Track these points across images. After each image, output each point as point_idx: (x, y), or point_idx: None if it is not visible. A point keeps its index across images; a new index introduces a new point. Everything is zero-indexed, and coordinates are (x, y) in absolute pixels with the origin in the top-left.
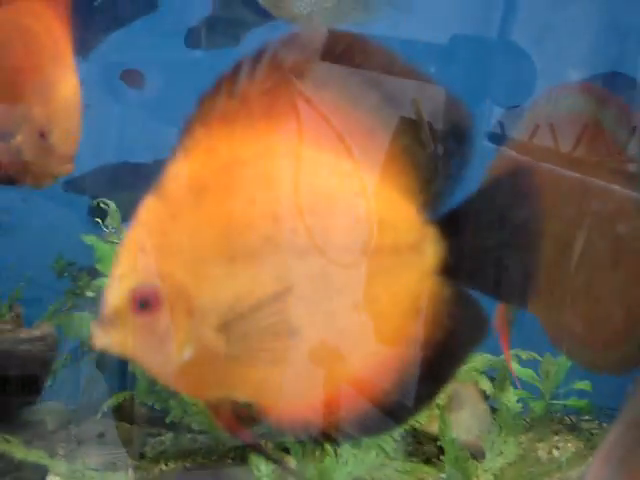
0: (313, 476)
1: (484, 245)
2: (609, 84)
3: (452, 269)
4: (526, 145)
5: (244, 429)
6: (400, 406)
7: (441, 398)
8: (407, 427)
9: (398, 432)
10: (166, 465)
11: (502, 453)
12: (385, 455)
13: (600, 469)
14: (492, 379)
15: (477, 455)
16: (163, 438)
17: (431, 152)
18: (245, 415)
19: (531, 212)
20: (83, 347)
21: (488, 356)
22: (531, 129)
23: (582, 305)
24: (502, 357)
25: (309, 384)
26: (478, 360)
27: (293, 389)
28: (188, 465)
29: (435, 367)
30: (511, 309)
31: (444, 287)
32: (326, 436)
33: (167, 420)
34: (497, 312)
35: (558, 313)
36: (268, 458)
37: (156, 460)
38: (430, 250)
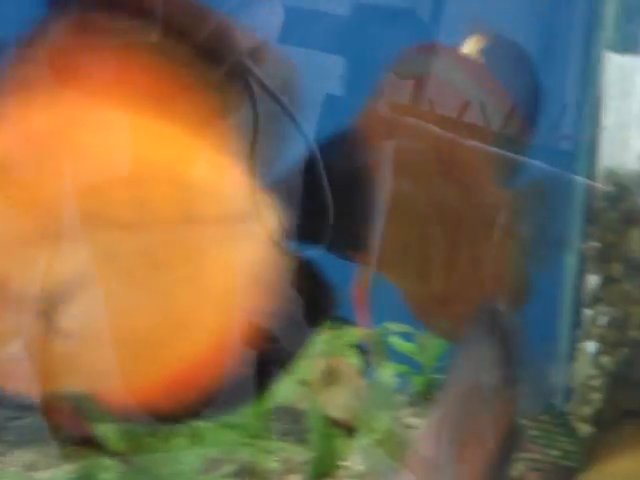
0: (161, 458)
1: (322, 206)
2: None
3: (291, 235)
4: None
5: (82, 422)
6: (247, 384)
7: (311, 373)
8: (279, 404)
9: (268, 409)
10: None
11: (374, 430)
12: (249, 434)
13: (429, 446)
14: (368, 353)
15: (351, 432)
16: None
17: (258, 111)
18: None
19: (368, 171)
20: None
21: (363, 328)
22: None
23: (439, 276)
24: (378, 329)
25: (144, 367)
26: (352, 333)
27: (126, 373)
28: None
29: (283, 341)
30: (369, 278)
31: (284, 256)
32: (165, 420)
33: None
34: (354, 281)
35: (416, 284)
36: (105, 452)
37: (15, 444)
38: (265, 217)
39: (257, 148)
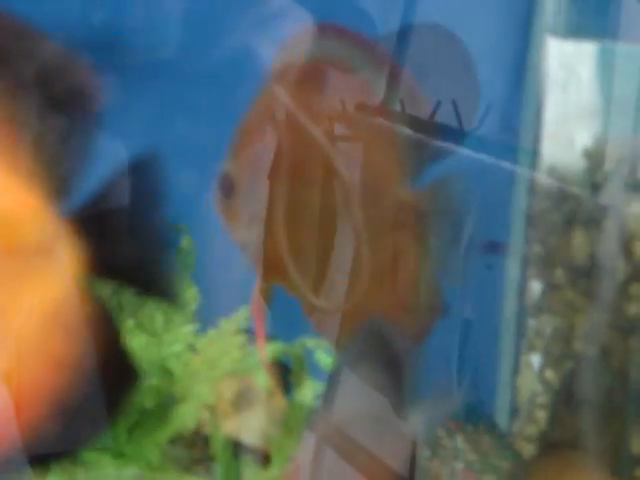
0: None
1: (134, 238)
2: None
3: (98, 270)
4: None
5: None
6: (60, 436)
7: (219, 394)
8: (189, 430)
9: (169, 436)
10: None
11: (289, 457)
12: (144, 464)
13: None
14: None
15: (266, 461)
16: None
17: (51, 125)
18: None
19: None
20: None
21: (281, 344)
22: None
23: (337, 286)
24: (299, 343)
25: None
26: (269, 349)
27: None
28: None
29: (87, 392)
30: (268, 291)
31: (90, 295)
32: None
33: None
34: (253, 294)
35: (312, 295)
36: None
37: None
38: (65, 251)
39: (58, 170)
